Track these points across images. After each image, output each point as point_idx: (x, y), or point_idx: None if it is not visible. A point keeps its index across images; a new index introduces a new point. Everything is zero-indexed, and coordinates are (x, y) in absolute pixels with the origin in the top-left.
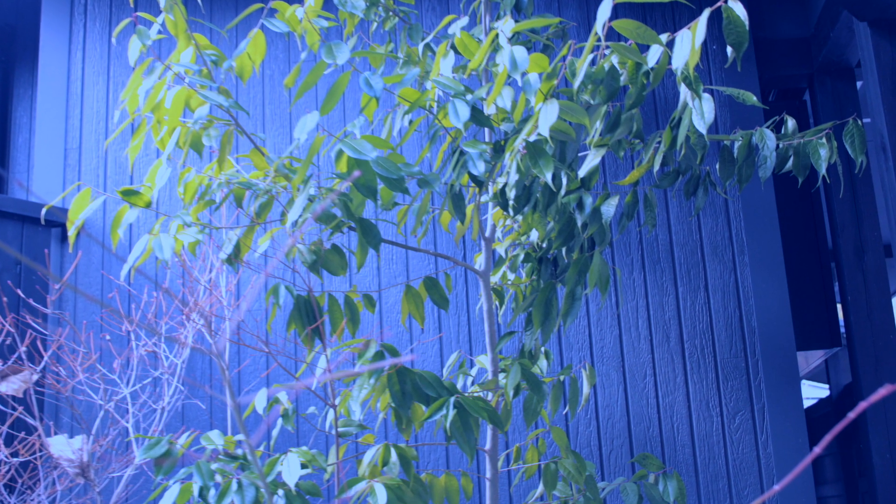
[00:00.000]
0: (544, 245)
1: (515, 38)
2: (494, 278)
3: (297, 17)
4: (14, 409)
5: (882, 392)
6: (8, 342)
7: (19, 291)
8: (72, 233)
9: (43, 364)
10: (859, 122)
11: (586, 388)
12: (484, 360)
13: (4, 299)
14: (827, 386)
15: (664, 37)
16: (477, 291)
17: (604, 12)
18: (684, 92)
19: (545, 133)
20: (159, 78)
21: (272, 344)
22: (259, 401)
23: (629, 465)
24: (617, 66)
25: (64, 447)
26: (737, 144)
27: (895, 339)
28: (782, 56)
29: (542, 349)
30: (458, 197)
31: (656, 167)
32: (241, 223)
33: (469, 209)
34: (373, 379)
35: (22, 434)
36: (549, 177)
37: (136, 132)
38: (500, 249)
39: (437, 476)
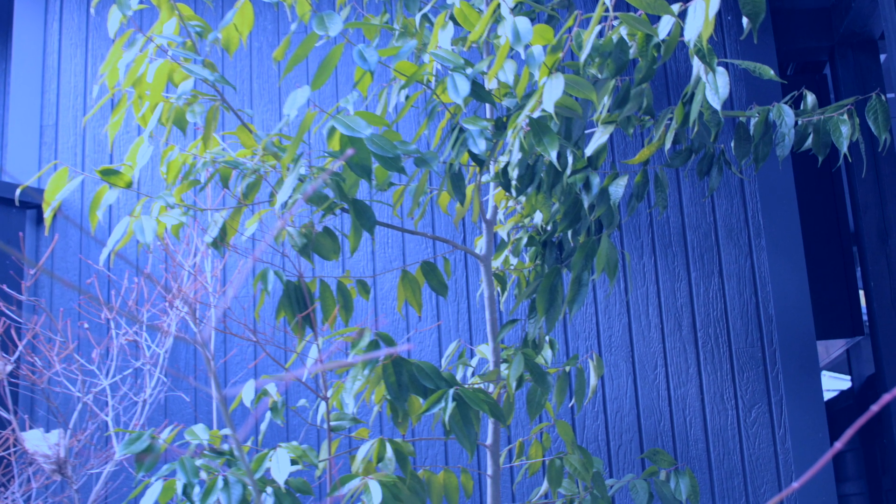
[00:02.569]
0: (549, 228)
1: (518, 9)
2: (496, 263)
3: None
4: None
5: None
6: None
7: None
8: (48, 215)
9: (17, 354)
10: (883, 97)
11: (593, 380)
12: (485, 350)
13: None
14: (848, 377)
15: (676, 7)
16: (477, 277)
17: None
18: (697, 65)
19: (550, 109)
20: (141, 51)
21: (260, 333)
22: (246, 393)
23: (639, 461)
24: (626, 38)
25: (39, 442)
26: (753, 121)
27: None
28: (801, 27)
29: (547, 338)
30: (458, 177)
31: (668, 145)
32: (228, 204)
33: (469, 190)
34: (367, 370)
35: None
36: (553, 155)
37: (115, 108)
38: (503, 232)
39: (436, 473)
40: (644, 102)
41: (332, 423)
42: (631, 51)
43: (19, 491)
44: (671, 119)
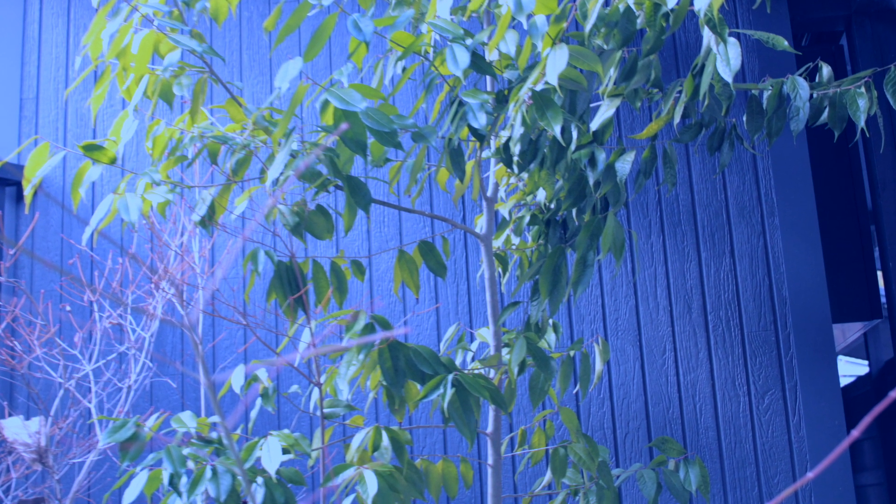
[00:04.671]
0: (552, 206)
1: None
2: (497, 242)
3: None
4: None
5: None
6: None
7: None
8: (28, 192)
9: None
10: None
11: (599, 365)
12: (485, 334)
13: None
14: (866, 362)
15: None
16: (478, 257)
17: None
18: (708, 36)
19: (553, 82)
20: (125, 20)
21: (250, 316)
22: (236, 379)
23: (647, 449)
24: (633, 7)
25: (19, 430)
26: (766, 94)
27: None
28: None
29: (550, 321)
30: (457, 152)
31: (677, 119)
32: (216, 181)
33: (469, 166)
34: (362, 354)
35: None
36: (557, 130)
37: (99, 81)
38: (504, 210)
39: (434, 462)
40: (652, 75)
41: (325, 411)
42: (638, 20)
43: None
44: (680, 92)
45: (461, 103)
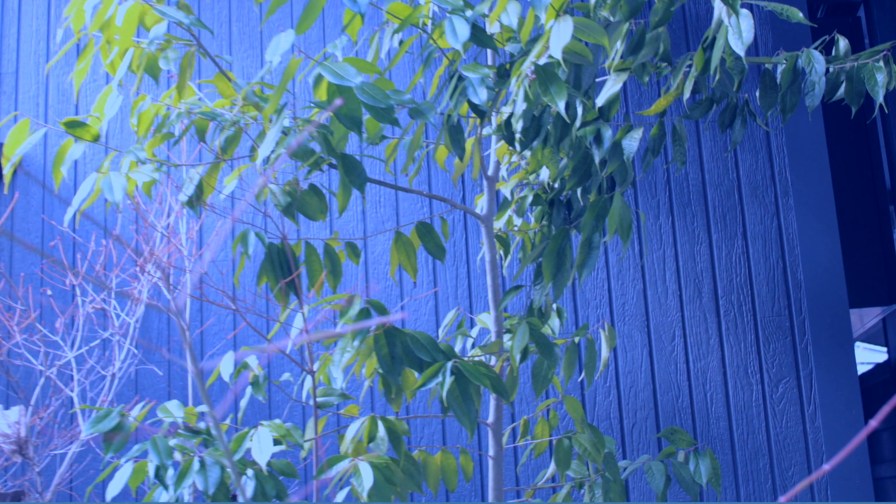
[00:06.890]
0: (556, 185)
1: None
2: (498, 224)
3: None
4: None
5: None
6: None
7: None
8: (7, 171)
9: None
10: None
11: (605, 352)
12: (486, 319)
13: None
14: (885, 349)
15: None
16: (478, 239)
17: None
18: (719, 7)
19: (557, 55)
20: None
21: (240, 300)
22: (225, 366)
23: (655, 440)
24: None
25: None
26: (780, 68)
27: None
28: None
29: (554, 306)
30: (456, 129)
31: (686, 95)
32: (205, 160)
33: (469, 143)
34: (357, 341)
35: None
36: (561, 106)
37: (82, 54)
38: (505, 190)
39: (432, 453)
40: (660, 48)
41: (318, 400)
42: None
43: None
44: (690, 66)
45: (461, 78)
